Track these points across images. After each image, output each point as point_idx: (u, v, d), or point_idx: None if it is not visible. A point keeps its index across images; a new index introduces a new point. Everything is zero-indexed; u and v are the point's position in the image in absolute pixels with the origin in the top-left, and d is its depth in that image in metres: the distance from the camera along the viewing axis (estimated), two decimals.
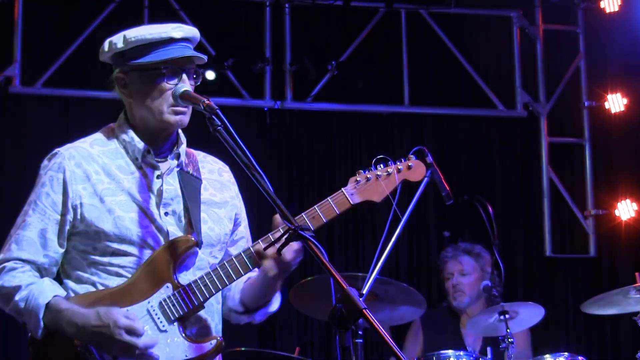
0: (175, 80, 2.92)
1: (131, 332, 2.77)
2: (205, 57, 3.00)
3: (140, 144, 2.98)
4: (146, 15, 7.37)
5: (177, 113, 2.92)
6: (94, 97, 7.05)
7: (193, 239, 2.92)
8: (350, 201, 3.01)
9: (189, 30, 3.00)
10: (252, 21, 7.71)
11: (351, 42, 7.81)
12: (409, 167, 3.14)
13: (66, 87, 7.32)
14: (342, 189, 3.03)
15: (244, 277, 3.04)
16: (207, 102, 2.75)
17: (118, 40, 2.96)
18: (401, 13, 7.94)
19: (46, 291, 2.85)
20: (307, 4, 7.67)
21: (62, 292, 2.90)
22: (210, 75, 7.31)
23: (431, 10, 7.99)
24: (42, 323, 2.81)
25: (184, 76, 2.93)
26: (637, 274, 5.12)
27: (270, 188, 2.61)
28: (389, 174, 3.08)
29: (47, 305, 2.82)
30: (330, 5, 7.69)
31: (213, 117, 2.70)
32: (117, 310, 2.79)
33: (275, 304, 3.14)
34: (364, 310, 2.33)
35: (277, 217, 2.87)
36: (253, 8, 7.71)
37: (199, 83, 3.01)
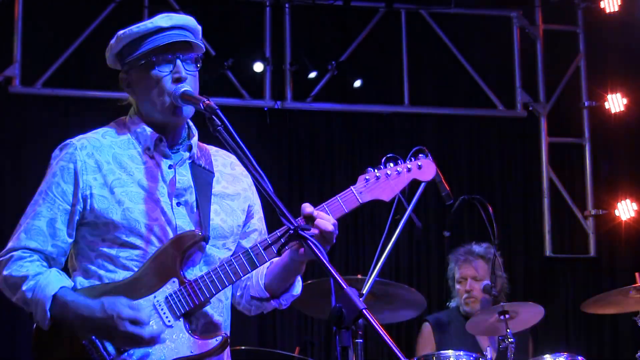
0: (170, 67, 2.91)
1: (135, 323, 2.76)
2: (199, 42, 2.98)
3: (152, 133, 2.97)
4: (146, 15, 7.36)
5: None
6: (94, 97, 7.05)
7: (200, 234, 2.92)
8: (360, 200, 2.99)
9: (179, 19, 2.98)
10: (252, 21, 7.71)
11: (351, 42, 7.82)
12: (419, 167, 3.11)
13: (66, 87, 7.33)
14: (351, 187, 3.00)
15: (266, 263, 3.02)
16: (207, 102, 2.75)
17: (113, 40, 2.99)
18: (401, 13, 7.95)
19: (53, 282, 2.84)
20: (307, 4, 7.68)
21: (69, 282, 2.89)
22: (210, 75, 7.30)
23: (431, 10, 8.00)
24: (49, 314, 2.80)
25: (178, 62, 2.92)
26: (637, 274, 5.13)
27: (270, 188, 2.61)
28: (399, 173, 3.05)
29: (54, 296, 2.81)
30: (330, 5, 7.70)
31: (213, 117, 2.69)
32: (121, 301, 2.78)
33: (298, 287, 3.12)
34: (363, 311, 2.33)
35: (306, 205, 2.86)
36: (253, 8, 7.72)
37: (199, 68, 2.99)
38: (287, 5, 7.72)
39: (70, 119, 7.26)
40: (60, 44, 7.32)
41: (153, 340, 2.79)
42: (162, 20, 2.94)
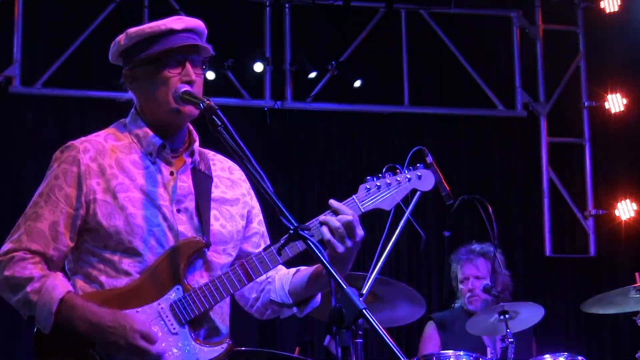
0: (179, 69, 2.91)
1: (146, 337, 2.76)
2: (208, 46, 2.99)
3: (155, 138, 2.96)
4: (146, 15, 7.37)
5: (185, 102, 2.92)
6: (94, 97, 7.06)
7: (202, 240, 2.91)
8: (362, 209, 3.00)
9: (191, 22, 3.00)
10: (252, 21, 7.72)
11: (351, 42, 7.82)
12: (419, 177, 3.12)
13: (66, 87, 7.33)
14: (354, 196, 3.01)
15: (292, 269, 3.04)
16: (207, 102, 2.75)
17: (121, 37, 2.98)
18: (401, 13, 7.95)
19: (60, 286, 2.80)
20: (307, 4, 7.68)
21: (72, 289, 2.87)
22: (210, 75, 7.32)
23: (431, 10, 8.00)
24: (53, 318, 2.77)
25: (188, 65, 2.93)
26: (637, 274, 5.12)
27: (270, 188, 2.60)
28: (399, 183, 3.06)
29: (62, 300, 2.77)
30: (330, 5, 7.70)
31: (213, 117, 2.69)
32: (133, 317, 2.78)
33: (319, 298, 3.12)
34: (363, 311, 2.33)
35: (332, 201, 2.89)
36: (253, 8, 7.72)
37: (206, 72, 3.01)
38: (287, 5, 7.72)
39: (70, 119, 7.27)
40: (60, 44, 7.32)
41: (159, 358, 2.79)
42: (174, 22, 2.95)
